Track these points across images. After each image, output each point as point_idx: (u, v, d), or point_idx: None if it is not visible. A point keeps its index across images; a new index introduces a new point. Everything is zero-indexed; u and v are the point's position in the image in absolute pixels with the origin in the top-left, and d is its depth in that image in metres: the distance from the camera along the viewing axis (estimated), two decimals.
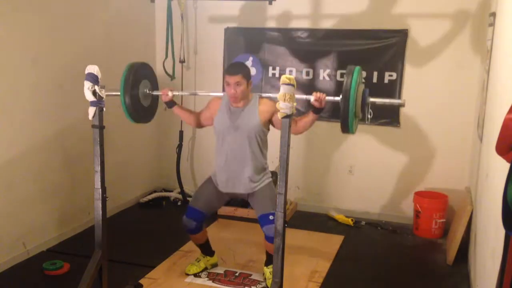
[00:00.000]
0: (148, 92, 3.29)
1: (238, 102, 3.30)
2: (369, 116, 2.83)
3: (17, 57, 3.61)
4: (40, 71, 3.80)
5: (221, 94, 3.45)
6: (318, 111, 3.05)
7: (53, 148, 4.00)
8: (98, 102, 2.80)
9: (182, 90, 5.17)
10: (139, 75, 3.22)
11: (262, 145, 3.36)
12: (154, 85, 3.38)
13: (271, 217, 3.23)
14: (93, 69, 2.75)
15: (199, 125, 3.55)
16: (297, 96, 2.71)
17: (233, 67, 3.35)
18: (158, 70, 5.01)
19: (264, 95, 3.53)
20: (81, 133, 4.07)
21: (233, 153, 3.32)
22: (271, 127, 3.39)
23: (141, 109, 3.28)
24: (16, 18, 3.55)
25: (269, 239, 3.28)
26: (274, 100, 3.26)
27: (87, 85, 2.76)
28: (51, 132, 3.98)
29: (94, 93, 2.77)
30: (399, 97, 4.61)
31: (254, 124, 3.27)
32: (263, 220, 3.35)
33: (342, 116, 2.71)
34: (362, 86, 2.80)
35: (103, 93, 2.81)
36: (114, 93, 3.08)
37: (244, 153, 3.30)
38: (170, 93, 3.34)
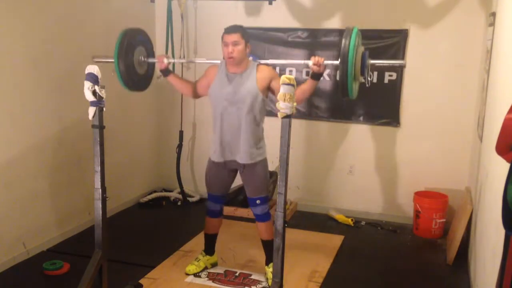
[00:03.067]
0: (143, 59, 3.21)
1: (235, 65, 3.21)
2: (369, 78, 2.77)
3: (18, 57, 3.61)
4: (40, 71, 3.80)
5: (219, 61, 3.35)
6: (317, 76, 2.94)
7: (53, 148, 4.00)
8: (98, 102, 2.80)
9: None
10: (134, 42, 3.13)
11: (260, 114, 3.28)
12: (150, 52, 3.29)
13: (258, 201, 3.38)
14: (93, 69, 2.75)
15: (196, 94, 3.48)
16: (294, 61, 2.64)
17: (230, 27, 3.24)
18: (158, 70, 4.98)
19: (262, 61, 3.41)
20: (81, 133, 4.08)
21: (230, 120, 3.25)
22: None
23: (136, 77, 3.20)
24: (16, 18, 3.55)
25: (258, 217, 3.43)
26: (272, 67, 3.22)
27: (87, 85, 2.76)
28: (51, 132, 3.98)
29: (94, 93, 2.77)
30: (399, 98, 4.62)
31: (252, 90, 3.19)
32: (250, 202, 3.45)
33: (341, 79, 2.62)
34: (361, 48, 2.72)
35: (103, 93, 2.81)
36: (107, 60, 3.02)
37: (241, 120, 3.22)
38: (165, 60, 3.28)
